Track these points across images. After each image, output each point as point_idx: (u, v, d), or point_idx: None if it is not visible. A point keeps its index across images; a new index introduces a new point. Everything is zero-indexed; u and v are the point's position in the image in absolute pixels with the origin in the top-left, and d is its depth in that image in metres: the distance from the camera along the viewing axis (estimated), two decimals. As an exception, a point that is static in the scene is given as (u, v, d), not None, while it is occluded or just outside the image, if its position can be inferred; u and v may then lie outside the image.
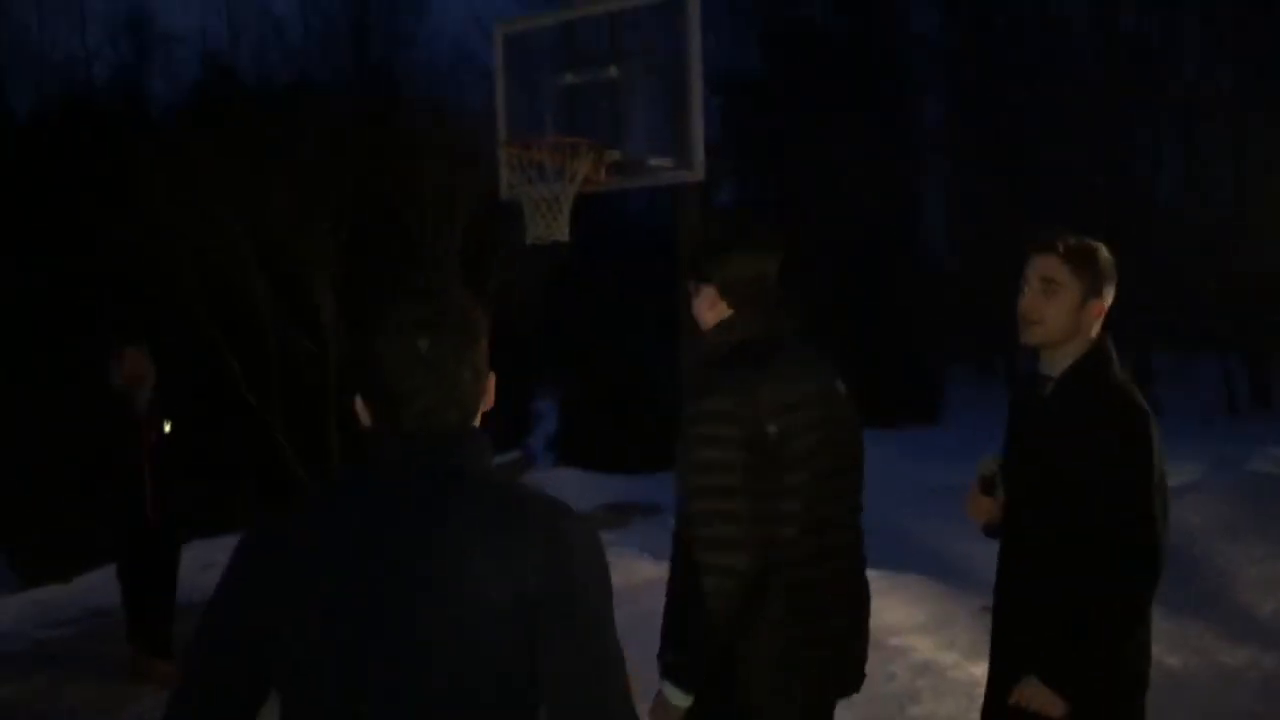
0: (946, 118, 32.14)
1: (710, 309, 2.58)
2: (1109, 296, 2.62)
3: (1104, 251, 2.64)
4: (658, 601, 6.62)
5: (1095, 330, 2.60)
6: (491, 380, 1.60)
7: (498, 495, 1.50)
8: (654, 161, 6.27)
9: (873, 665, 5.69)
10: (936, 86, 32.27)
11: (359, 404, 1.55)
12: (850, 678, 2.67)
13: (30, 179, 10.01)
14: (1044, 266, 2.57)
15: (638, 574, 6.94)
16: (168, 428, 5.67)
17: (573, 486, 11.21)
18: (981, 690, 2.77)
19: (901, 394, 18.66)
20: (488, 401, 1.60)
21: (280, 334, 8.67)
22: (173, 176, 8.44)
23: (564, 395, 13.94)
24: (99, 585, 7.36)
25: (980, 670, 5.75)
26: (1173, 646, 5.86)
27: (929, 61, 32.10)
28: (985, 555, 7.90)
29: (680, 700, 2.44)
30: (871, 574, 6.49)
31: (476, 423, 1.58)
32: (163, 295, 8.34)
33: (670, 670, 2.47)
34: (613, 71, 6.08)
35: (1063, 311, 2.55)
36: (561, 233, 5.82)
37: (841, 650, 2.60)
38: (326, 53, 33.86)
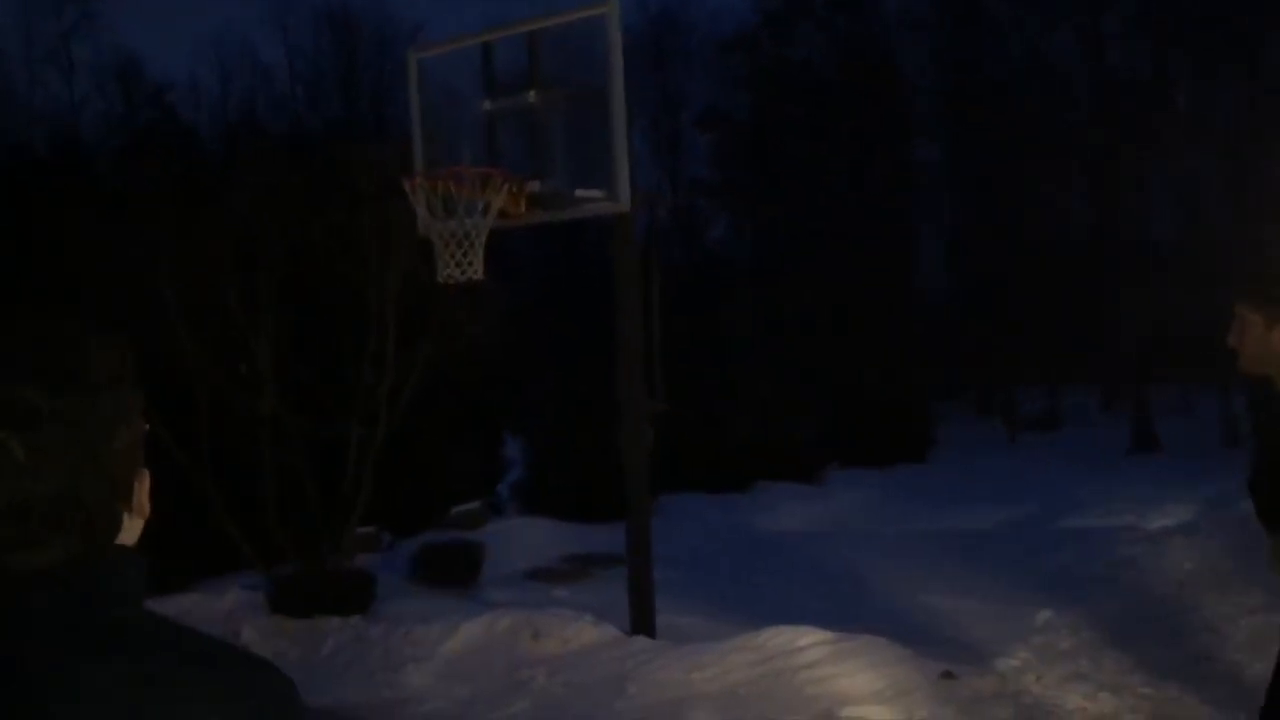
0: (940, 156, 31.91)
1: None
2: None
3: None
4: (586, 673, 6.09)
5: None
6: (145, 481, 1.14)
7: (164, 649, 1.05)
8: (580, 193, 5.86)
9: (821, 740, 5.21)
10: (929, 125, 32.07)
11: None
12: None
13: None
14: None
15: (575, 639, 6.44)
16: None
17: (534, 536, 10.73)
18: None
19: (890, 432, 18.15)
20: (141, 509, 1.13)
21: (210, 390, 8.22)
22: (96, 225, 8.08)
23: (528, 440, 13.47)
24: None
25: (938, 746, 5.24)
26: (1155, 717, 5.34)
27: (921, 100, 31.91)
28: (953, 611, 7.39)
29: None
30: (824, 636, 6.04)
31: (123, 541, 1.11)
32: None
33: None
34: (531, 97, 5.67)
35: None
36: (475, 271, 5.38)
37: None
38: (314, 100, 33.79)
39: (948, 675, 5.71)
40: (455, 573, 8.87)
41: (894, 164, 30.90)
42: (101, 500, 1.07)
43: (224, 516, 8.09)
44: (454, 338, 8.63)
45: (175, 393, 7.94)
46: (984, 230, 27.42)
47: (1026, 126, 25.88)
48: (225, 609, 7.91)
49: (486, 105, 5.81)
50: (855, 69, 30.58)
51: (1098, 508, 11.87)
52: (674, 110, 35.80)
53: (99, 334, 1.11)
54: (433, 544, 9.46)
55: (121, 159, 11.95)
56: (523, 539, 10.59)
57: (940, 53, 31.25)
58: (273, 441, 8.27)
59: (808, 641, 5.96)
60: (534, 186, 5.66)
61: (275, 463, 8.28)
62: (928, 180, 31.68)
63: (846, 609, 7.30)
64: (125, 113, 33.12)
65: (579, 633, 6.54)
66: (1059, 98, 27.20)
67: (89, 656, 1.01)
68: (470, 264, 5.35)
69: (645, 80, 33.97)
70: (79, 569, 1.05)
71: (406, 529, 10.74)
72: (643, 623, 6.47)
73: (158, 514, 1.22)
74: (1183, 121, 25.39)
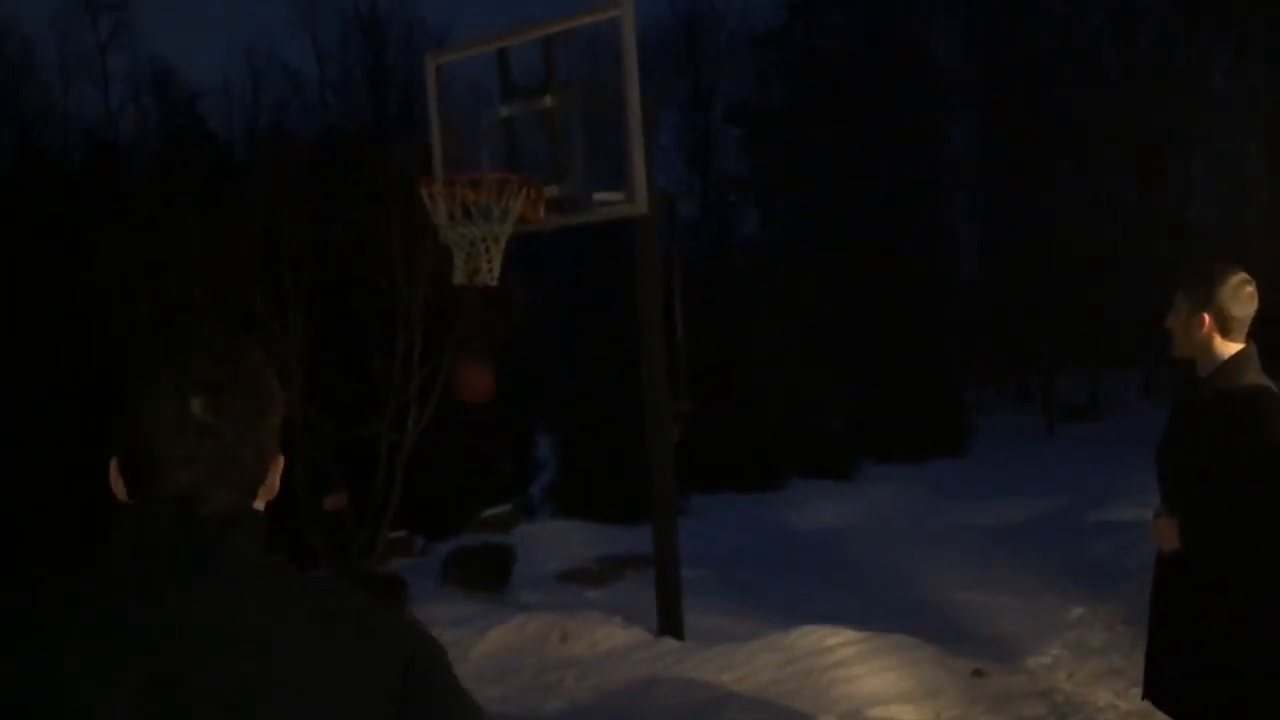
0: (974, 144, 31.62)
1: None
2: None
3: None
4: (614, 675, 6.08)
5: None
6: (279, 463, 1.36)
7: (285, 590, 1.29)
8: (599, 196, 5.85)
9: (851, 740, 5.17)
10: (963, 113, 31.77)
11: (114, 470, 1.31)
12: None
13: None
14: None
15: (604, 641, 6.44)
16: None
17: (566, 538, 10.74)
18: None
19: (925, 426, 17.97)
20: (271, 488, 1.35)
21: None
22: (126, 232, 8.17)
23: (560, 443, 13.47)
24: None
25: (967, 746, 5.18)
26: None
27: (954, 88, 31.61)
28: (985, 608, 7.31)
29: None
30: (853, 635, 6.00)
31: (256, 507, 1.34)
32: (112, 358, 7.97)
33: None
34: (548, 101, 5.66)
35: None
36: (490, 276, 5.39)
37: None
38: (345, 105, 33.99)
39: (978, 673, 5.66)
40: (486, 576, 8.89)
41: (926, 150, 30.62)
42: (252, 466, 1.30)
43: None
44: (480, 338, 8.66)
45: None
46: (1018, 215, 27.11)
47: (1059, 108, 25.58)
48: (259, 614, 7.97)
49: (504, 110, 5.81)
50: (886, 52, 30.35)
51: (1136, 499, 11.66)
52: (705, 106, 35.72)
53: (244, 337, 1.40)
54: (464, 548, 9.50)
55: (150, 167, 12.11)
56: (554, 541, 10.60)
57: (971, 34, 30.98)
58: (303, 444, 8.32)
59: (837, 641, 5.93)
60: (552, 191, 5.66)
61: (306, 465, 8.34)
62: (961, 165, 31.39)
63: (877, 607, 7.25)
64: (160, 121, 33.49)
65: (607, 635, 6.55)
66: (1093, 75, 26.85)
67: (219, 596, 1.23)
68: (489, 269, 5.36)
69: (676, 77, 33.93)
70: (229, 519, 1.26)
71: (439, 533, 10.79)
72: (670, 624, 6.46)
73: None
74: (1219, 101, 25.00)
